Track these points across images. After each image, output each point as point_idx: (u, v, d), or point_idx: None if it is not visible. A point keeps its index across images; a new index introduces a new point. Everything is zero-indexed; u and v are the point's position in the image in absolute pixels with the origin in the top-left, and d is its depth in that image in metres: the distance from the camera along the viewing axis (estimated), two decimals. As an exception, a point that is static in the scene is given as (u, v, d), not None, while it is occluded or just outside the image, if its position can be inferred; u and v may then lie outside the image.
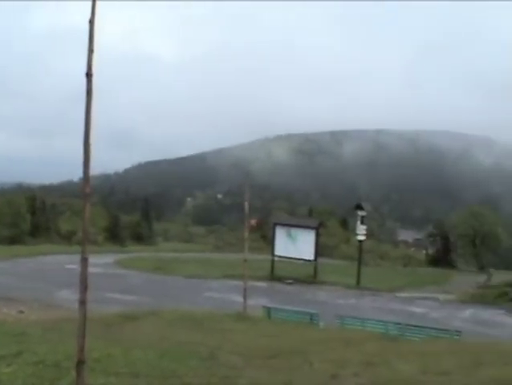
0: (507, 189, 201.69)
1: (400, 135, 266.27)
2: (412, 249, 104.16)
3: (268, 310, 22.90)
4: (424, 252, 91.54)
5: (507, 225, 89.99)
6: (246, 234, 23.39)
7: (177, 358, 11.70)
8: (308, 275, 39.01)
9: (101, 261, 41.35)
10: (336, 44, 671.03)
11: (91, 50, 6.39)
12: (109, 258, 47.00)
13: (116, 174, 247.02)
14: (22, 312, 22.06)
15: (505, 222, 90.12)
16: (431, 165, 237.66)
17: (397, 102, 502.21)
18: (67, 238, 64.92)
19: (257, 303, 24.17)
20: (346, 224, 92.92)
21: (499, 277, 44.30)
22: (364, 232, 39.17)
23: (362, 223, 38.96)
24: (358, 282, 37.49)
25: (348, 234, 79.62)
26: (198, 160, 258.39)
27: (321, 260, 41.68)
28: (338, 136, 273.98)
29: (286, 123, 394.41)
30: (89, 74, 6.41)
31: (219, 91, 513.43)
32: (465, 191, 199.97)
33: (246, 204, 22.58)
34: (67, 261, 39.58)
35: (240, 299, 23.21)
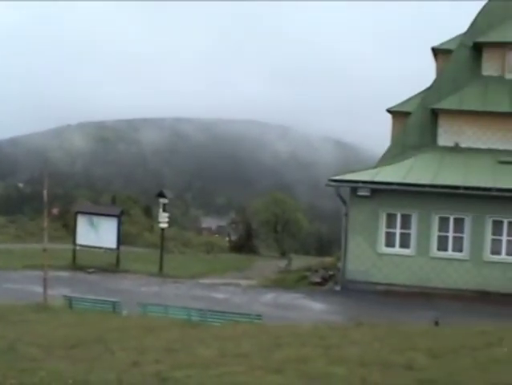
0: (301, 177, 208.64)
1: (198, 124, 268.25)
2: (216, 235, 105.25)
3: (69, 300, 22.50)
4: (227, 238, 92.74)
5: (304, 212, 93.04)
6: (46, 223, 22.85)
7: (-27, 353, 11.30)
8: (111, 264, 38.58)
9: None
10: (133, 31, 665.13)
11: None
12: None
13: None
14: None
15: (302, 209, 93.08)
16: (230, 153, 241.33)
17: (195, 90, 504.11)
18: None
19: (58, 293, 23.63)
20: (150, 212, 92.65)
21: (299, 261, 45.58)
22: (167, 219, 39.15)
23: (164, 211, 38.93)
24: (161, 270, 37.48)
25: (152, 222, 79.35)
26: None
27: (124, 248, 41.37)
28: (137, 124, 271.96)
29: (86, 111, 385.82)
30: None
31: (16, 77, 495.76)
32: (263, 179, 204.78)
33: (45, 193, 22.06)
34: None
35: (40, 290, 22.64)
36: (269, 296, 29.24)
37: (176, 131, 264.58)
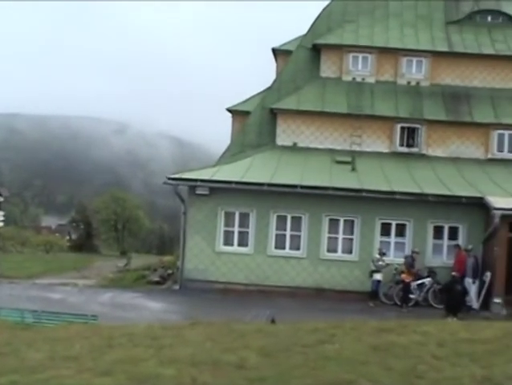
0: (139, 175, 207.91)
1: (32, 120, 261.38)
2: (56, 234, 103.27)
3: None
4: (67, 238, 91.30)
5: (145, 210, 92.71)
6: None
7: None
8: None
9: None
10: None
11: None
12: None
13: None
14: None
15: (143, 207, 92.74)
16: (66, 150, 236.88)
17: (28, 85, 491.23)
18: None
19: None
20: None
21: (139, 260, 45.48)
22: (2, 218, 38.02)
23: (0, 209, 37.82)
24: (-5, 270, 36.40)
25: (-11, 222, 76.90)
26: None
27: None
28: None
29: None
30: None
31: None
32: (99, 176, 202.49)
33: None
34: None
35: None
36: (106, 296, 28.79)
37: (10, 127, 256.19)
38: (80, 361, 11.21)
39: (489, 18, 39.05)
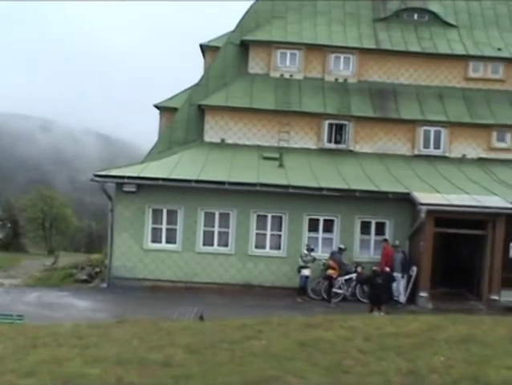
0: (63, 171, 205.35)
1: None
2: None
3: None
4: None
5: (73, 208, 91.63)
6: None
7: None
8: None
9: None
10: None
11: None
12: None
13: None
14: None
15: (71, 205, 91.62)
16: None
17: None
18: None
19: None
20: None
21: (67, 259, 44.85)
22: None
23: None
24: None
25: None
26: None
27: None
28: None
29: None
30: None
31: None
32: (23, 174, 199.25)
33: None
34: None
35: None
36: (33, 295, 28.29)
37: None
38: (3, 362, 10.99)
39: (416, 16, 39.58)
